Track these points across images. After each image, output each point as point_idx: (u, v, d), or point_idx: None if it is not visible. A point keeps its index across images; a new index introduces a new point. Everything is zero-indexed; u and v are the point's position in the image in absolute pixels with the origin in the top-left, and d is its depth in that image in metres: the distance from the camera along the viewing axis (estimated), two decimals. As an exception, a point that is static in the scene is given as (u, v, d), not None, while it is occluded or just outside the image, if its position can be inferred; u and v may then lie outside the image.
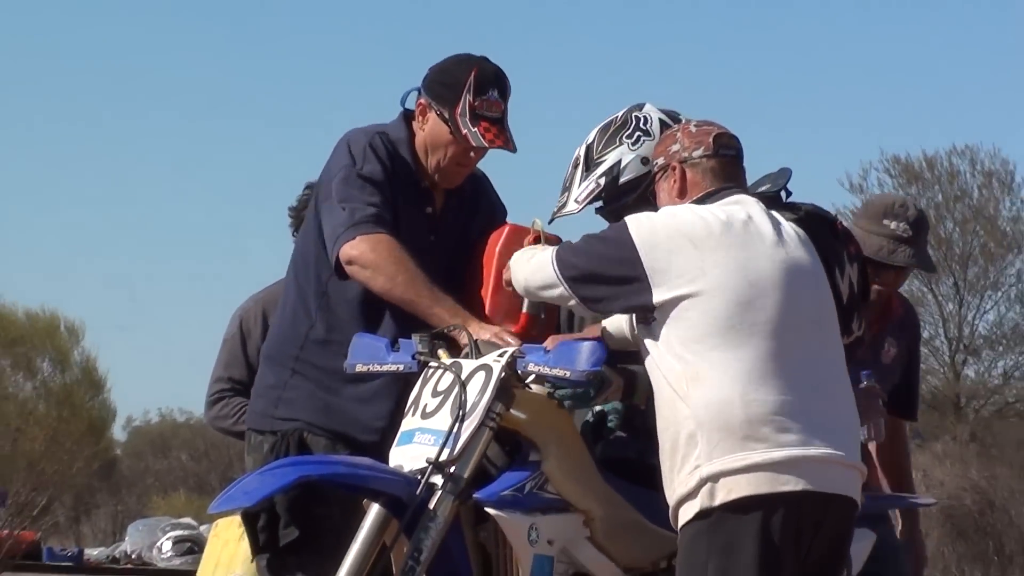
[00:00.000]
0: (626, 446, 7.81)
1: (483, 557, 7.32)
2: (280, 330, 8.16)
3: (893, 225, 8.74)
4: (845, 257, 7.68)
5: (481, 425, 7.16)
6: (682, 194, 7.32)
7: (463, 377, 7.23)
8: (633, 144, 7.75)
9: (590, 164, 7.80)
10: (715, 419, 6.96)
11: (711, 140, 7.35)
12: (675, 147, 7.37)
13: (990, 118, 74.58)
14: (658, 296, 6.97)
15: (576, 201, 7.80)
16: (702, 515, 6.92)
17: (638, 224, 7.05)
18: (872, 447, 8.83)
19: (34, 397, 11.70)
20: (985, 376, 46.80)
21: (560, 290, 7.11)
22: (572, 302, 7.19)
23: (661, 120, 7.82)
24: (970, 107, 75.35)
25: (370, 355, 7.59)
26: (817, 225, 7.64)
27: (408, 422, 7.32)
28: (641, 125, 7.80)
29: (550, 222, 7.88)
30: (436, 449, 7.11)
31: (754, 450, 6.91)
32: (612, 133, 7.82)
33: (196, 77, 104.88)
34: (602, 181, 7.74)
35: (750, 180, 7.68)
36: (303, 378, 7.91)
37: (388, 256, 7.64)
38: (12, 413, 10.88)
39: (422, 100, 7.96)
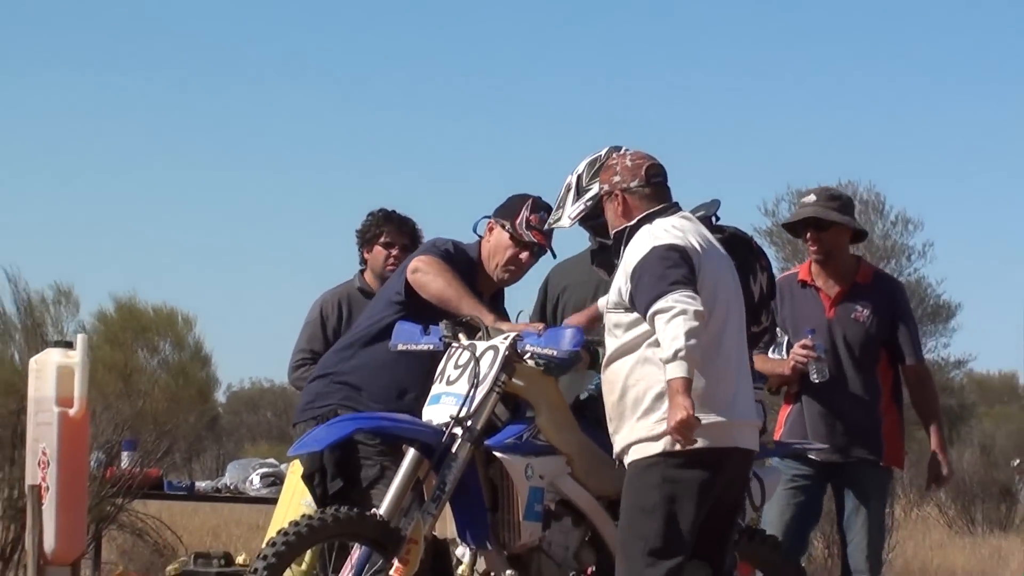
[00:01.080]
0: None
1: (492, 488, 7.36)
2: (326, 359, 8.20)
3: (802, 200, 8.82)
4: (758, 268, 7.77)
5: (490, 390, 7.29)
6: (626, 215, 7.28)
7: (477, 354, 7.35)
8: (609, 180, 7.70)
9: (580, 191, 7.74)
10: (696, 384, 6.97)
11: (643, 172, 7.28)
12: (616, 178, 7.32)
13: (868, 159, 73.88)
14: None
15: (569, 218, 7.75)
16: (661, 456, 6.98)
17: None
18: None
19: (158, 370, 11.81)
20: None
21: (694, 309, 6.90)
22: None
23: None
24: (853, 149, 74.55)
25: (408, 337, 7.68)
26: (738, 243, 7.71)
27: (436, 388, 7.42)
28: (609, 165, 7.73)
29: (545, 227, 7.87)
30: (457, 408, 7.25)
31: (708, 413, 6.94)
32: (597, 169, 7.70)
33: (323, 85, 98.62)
34: (589, 204, 7.69)
35: (688, 206, 7.63)
36: (337, 385, 7.97)
37: (442, 268, 7.70)
38: (141, 382, 11.02)
39: (491, 221, 7.99)
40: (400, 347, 7.70)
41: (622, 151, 7.59)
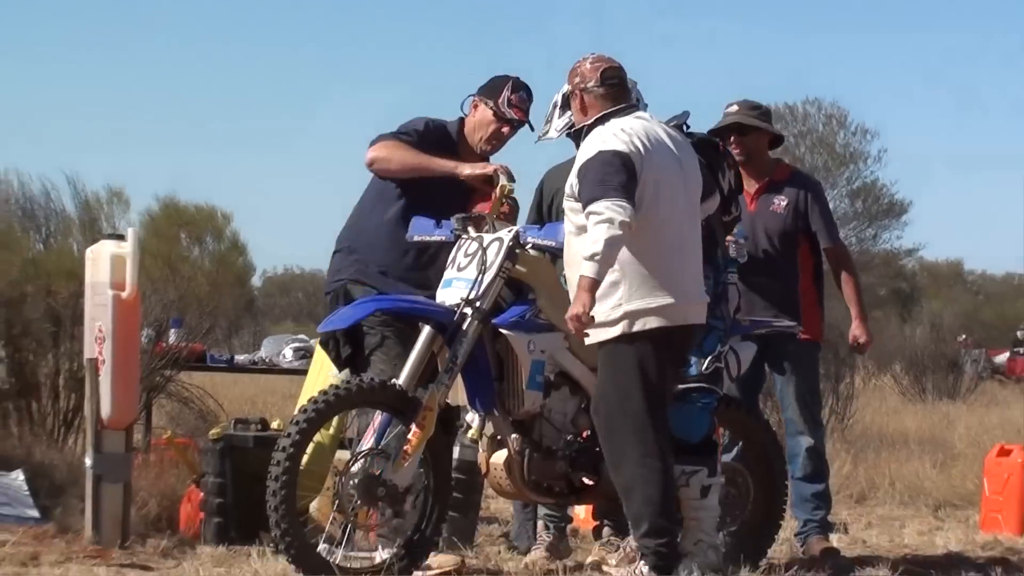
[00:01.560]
0: None
1: (498, 361, 7.39)
2: (341, 234, 8.17)
3: (726, 109, 8.79)
4: (725, 166, 7.80)
5: (496, 276, 7.32)
6: (584, 112, 7.29)
7: (484, 245, 7.39)
8: None
9: (566, 106, 7.68)
10: (637, 272, 7.05)
11: (600, 74, 7.28)
12: (577, 79, 7.32)
13: (833, 78, 73.62)
14: None
15: (556, 131, 7.77)
16: (622, 339, 7.02)
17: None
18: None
19: (201, 258, 11.85)
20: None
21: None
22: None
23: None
24: (819, 69, 74.36)
25: (423, 229, 7.71)
26: (705, 145, 7.76)
27: (448, 273, 7.46)
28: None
29: (536, 142, 7.91)
30: (467, 291, 7.30)
31: (662, 296, 7.03)
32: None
33: None
34: (569, 120, 7.66)
35: (662, 118, 7.61)
36: (349, 260, 8.00)
37: (394, 147, 7.84)
38: (187, 269, 11.07)
39: (475, 99, 8.04)
40: (416, 238, 7.76)
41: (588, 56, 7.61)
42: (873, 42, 76.22)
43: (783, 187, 8.82)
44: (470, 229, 7.51)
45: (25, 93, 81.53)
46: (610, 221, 6.84)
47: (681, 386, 7.57)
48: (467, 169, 7.78)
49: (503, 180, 7.72)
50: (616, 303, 7.06)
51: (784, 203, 8.76)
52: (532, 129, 8.03)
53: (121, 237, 8.57)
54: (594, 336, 7.09)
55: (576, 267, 7.01)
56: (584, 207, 6.99)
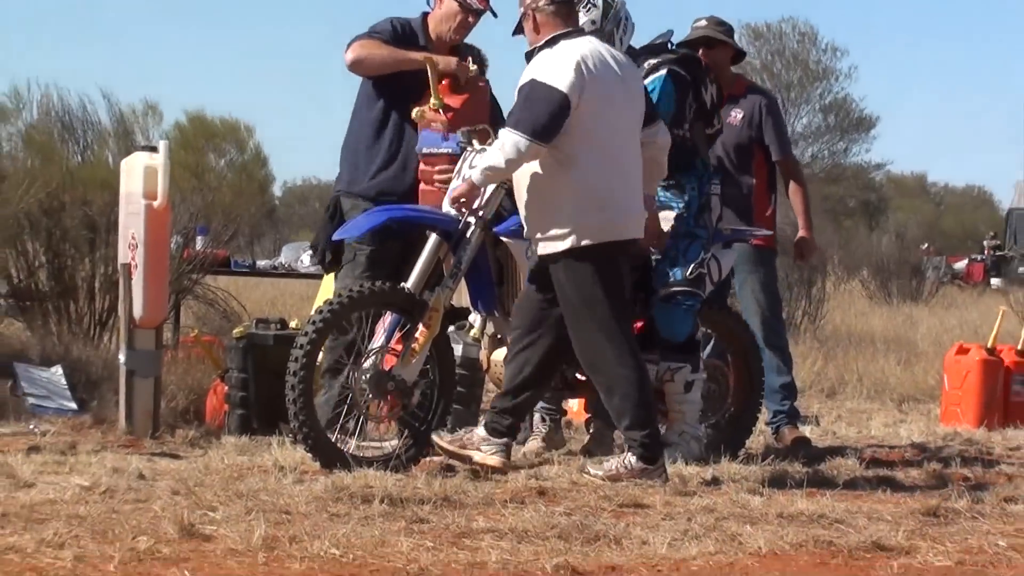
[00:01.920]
0: None
1: (498, 267, 7.41)
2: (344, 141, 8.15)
3: (695, 24, 8.73)
4: (708, 81, 7.77)
5: (498, 187, 7.27)
6: (537, 31, 7.16)
7: (481, 156, 7.27)
8: (586, 11, 7.52)
9: None
10: (582, 189, 7.00)
11: None
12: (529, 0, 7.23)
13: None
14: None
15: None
16: (573, 252, 6.99)
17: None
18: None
19: (225, 169, 11.81)
20: (801, 156, 46.32)
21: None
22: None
23: None
24: None
25: (431, 142, 7.65)
26: (690, 60, 7.77)
27: (453, 184, 7.36)
28: (589, 1, 7.57)
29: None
30: (477, 201, 7.23)
31: (607, 211, 7.00)
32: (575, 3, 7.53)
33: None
34: None
35: (645, 39, 7.71)
36: (344, 167, 8.02)
37: (371, 45, 7.76)
38: (212, 179, 11.03)
39: None
40: (424, 151, 7.69)
41: None
42: None
43: (739, 100, 8.80)
44: (475, 142, 7.41)
45: (64, 9, 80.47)
46: (511, 151, 6.91)
47: (666, 290, 7.58)
48: (440, 62, 7.67)
49: (471, 66, 7.75)
50: (565, 218, 7.03)
51: (740, 116, 8.75)
52: (495, 15, 7.89)
53: (154, 149, 8.53)
54: (543, 248, 7.07)
55: (524, 187, 7.10)
56: (506, 126, 7.03)
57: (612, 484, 6.83)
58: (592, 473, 7.01)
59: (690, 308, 7.63)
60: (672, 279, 7.60)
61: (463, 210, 7.09)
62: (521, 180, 7.12)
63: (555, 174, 7.04)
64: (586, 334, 7.10)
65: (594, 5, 7.58)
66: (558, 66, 6.99)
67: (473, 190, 7.03)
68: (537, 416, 8.32)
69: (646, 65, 7.66)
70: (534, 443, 8.16)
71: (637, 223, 7.22)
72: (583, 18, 7.53)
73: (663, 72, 7.62)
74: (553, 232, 7.02)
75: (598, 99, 7.04)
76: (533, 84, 6.97)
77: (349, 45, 7.81)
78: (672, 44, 7.84)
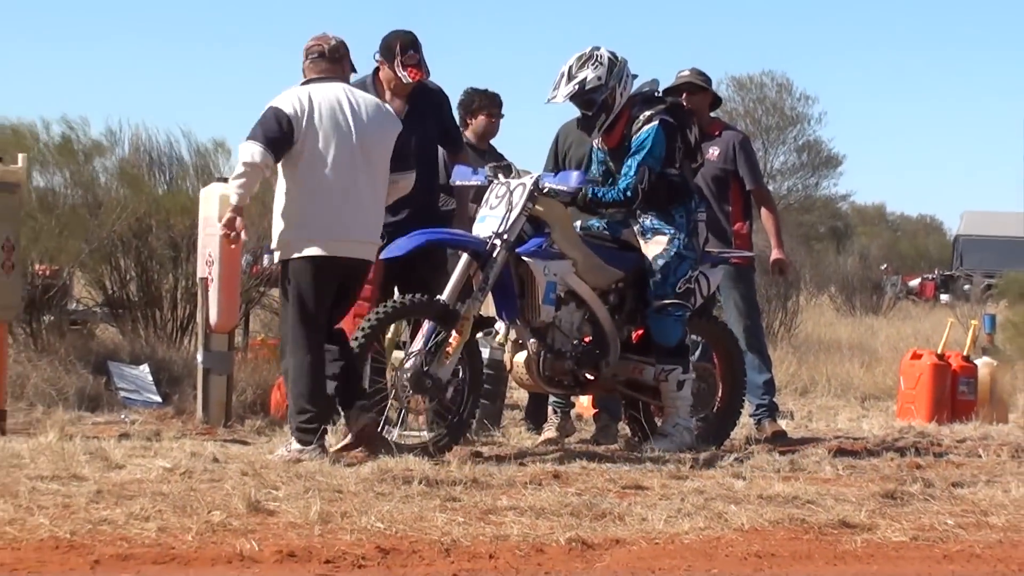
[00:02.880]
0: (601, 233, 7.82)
1: (520, 282, 7.38)
2: None
3: (680, 73, 8.72)
4: (691, 123, 7.84)
5: (520, 214, 7.28)
6: (304, 73, 7.27)
7: (511, 188, 7.34)
8: (594, 69, 7.55)
9: (570, 77, 7.59)
10: (300, 208, 7.06)
11: (305, 49, 7.28)
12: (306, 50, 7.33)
13: (782, 53, 73.12)
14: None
15: (563, 95, 7.62)
16: (288, 261, 7.09)
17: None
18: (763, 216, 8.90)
19: None
20: (778, 189, 46.06)
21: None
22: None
23: (609, 57, 7.61)
24: (773, 46, 73.50)
25: (463, 175, 7.67)
26: (677, 108, 7.79)
27: (482, 211, 7.42)
28: (597, 60, 7.58)
29: (546, 102, 7.69)
30: (497, 226, 7.25)
31: (318, 230, 7.02)
32: (584, 61, 7.57)
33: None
34: (575, 87, 7.55)
35: (640, 79, 7.72)
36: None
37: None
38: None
39: (378, 59, 7.76)
40: (458, 183, 7.71)
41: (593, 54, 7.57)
42: (819, 20, 75.37)
43: (715, 139, 8.75)
44: (500, 176, 7.44)
45: (149, 56, 79.22)
46: (243, 156, 7.01)
47: (659, 303, 7.58)
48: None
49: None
50: (280, 231, 7.11)
51: (717, 152, 8.69)
52: (428, 75, 7.78)
53: (226, 180, 8.53)
54: (277, 256, 7.20)
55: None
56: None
57: (617, 468, 6.82)
58: (276, 455, 6.96)
59: (679, 318, 7.63)
60: (664, 293, 7.59)
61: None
62: (275, 200, 7.21)
63: (281, 197, 7.14)
64: (283, 328, 7.29)
65: (600, 64, 7.59)
66: (291, 96, 7.11)
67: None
68: (550, 409, 8.32)
69: (642, 117, 7.65)
70: (549, 432, 8.15)
71: (360, 246, 7.17)
72: (590, 73, 7.58)
73: (655, 123, 7.62)
74: (276, 243, 7.14)
75: (322, 133, 7.07)
76: (268, 108, 7.12)
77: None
78: (658, 92, 7.85)
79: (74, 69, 76.33)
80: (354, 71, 7.63)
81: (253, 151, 6.95)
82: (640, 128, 7.60)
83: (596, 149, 7.95)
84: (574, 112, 7.85)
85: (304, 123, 7.03)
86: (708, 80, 8.83)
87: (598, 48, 7.66)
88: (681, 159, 7.75)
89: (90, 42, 79.21)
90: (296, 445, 6.93)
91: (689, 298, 7.71)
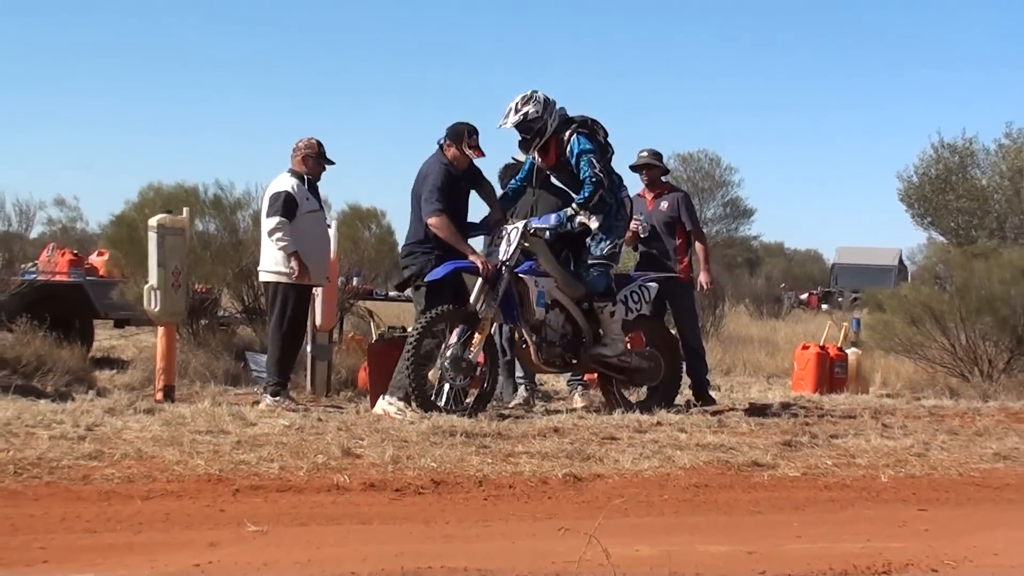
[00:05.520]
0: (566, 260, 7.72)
1: (519, 294, 7.31)
2: (409, 231, 7.46)
3: (640, 153, 8.69)
4: (597, 128, 7.56)
5: (517, 246, 7.23)
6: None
7: (511, 232, 7.29)
8: (533, 105, 7.36)
9: (516, 110, 7.39)
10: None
11: (294, 148, 7.55)
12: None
13: (713, 134, 72.54)
14: None
15: (511, 123, 7.40)
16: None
17: None
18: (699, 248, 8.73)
19: (370, 237, 11.44)
20: (709, 231, 45.31)
21: None
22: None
23: (544, 97, 7.41)
24: (706, 130, 72.56)
25: (485, 229, 7.59)
26: (583, 122, 7.52)
27: (495, 247, 7.38)
28: (535, 99, 7.39)
29: (498, 127, 7.44)
30: (503, 256, 7.22)
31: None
32: (527, 100, 7.37)
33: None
34: (520, 118, 7.36)
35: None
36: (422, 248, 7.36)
37: (447, 224, 7.15)
38: (362, 244, 10.68)
39: (448, 142, 7.33)
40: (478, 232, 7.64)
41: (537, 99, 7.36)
42: (742, 106, 74.48)
43: (664, 196, 8.72)
44: (505, 226, 7.39)
45: (279, 131, 69.77)
46: (275, 226, 7.38)
47: (593, 262, 7.51)
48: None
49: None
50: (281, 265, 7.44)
51: (666, 204, 8.66)
52: (483, 155, 7.42)
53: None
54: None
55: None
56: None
57: (598, 425, 6.77)
58: (261, 406, 7.19)
59: (604, 271, 7.53)
60: (594, 255, 7.51)
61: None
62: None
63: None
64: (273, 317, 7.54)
65: (538, 102, 7.42)
66: (286, 184, 7.46)
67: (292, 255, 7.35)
68: (570, 386, 8.27)
69: (565, 136, 7.44)
70: (582, 400, 8.07)
71: (319, 278, 7.62)
72: (531, 108, 7.36)
73: (574, 134, 7.42)
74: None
75: (304, 207, 7.45)
76: (277, 192, 7.45)
77: (433, 212, 7.18)
78: (567, 115, 7.50)
79: (223, 141, 73.40)
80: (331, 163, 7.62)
81: (277, 221, 7.39)
82: (567, 142, 7.45)
83: (530, 161, 7.72)
84: (516, 137, 7.58)
85: (299, 201, 7.51)
86: (660, 157, 8.85)
87: (536, 91, 7.47)
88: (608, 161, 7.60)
89: (234, 119, 76.05)
90: (271, 398, 7.37)
91: (614, 260, 7.62)
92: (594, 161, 7.39)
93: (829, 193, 79.03)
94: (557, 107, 7.49)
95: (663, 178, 8.97)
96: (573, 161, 7.44)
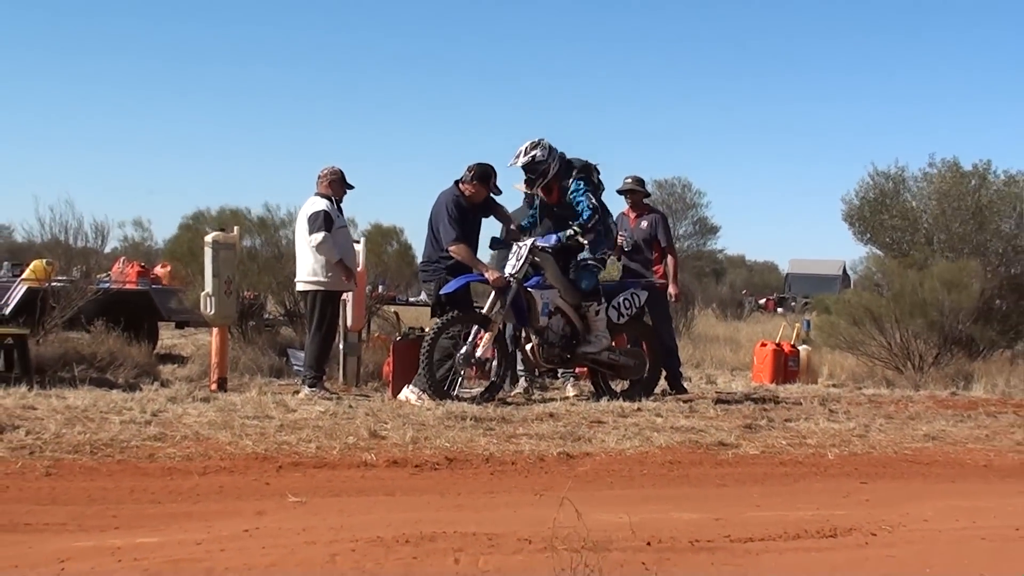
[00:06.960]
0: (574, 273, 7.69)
1: (526, 302, 7.27)
2: (426, 251, 7.37)
3: (625, 179, 8.68)
4: (592, 174, 7.55)
5: (526, 261, 7.19)
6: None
7: (520, 248, 7.23)
8: (540, 150, 7.32)
9: (526, 153, 7.34)
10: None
11: (320, 176, 7.45)
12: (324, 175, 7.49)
13: (682, 162, 71.98)
14: None
15: (521, 163, 7.34)
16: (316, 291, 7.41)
17: None
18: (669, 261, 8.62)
19: (391, 251, 11.26)
20: (681, 246, 44.98)
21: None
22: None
23: (549, 144, 7.39)
24: (676, 157, 71.90)
25: (503, 245, 7.52)
26: (583, 168, 7.49)
27: (507, 261, 7.31)
28: (542, 145, 7.35)
29: (509, 165, 7.37)
30: (513, 269, 7.16)
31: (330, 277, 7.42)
32: (535, 145, 7.34)
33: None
34: (529, 159, 7.30)
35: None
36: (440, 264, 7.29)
37: (465, 250, 7.09)
38: (385, 256, 10.40)
39: (477, 182, 7.19)
40: (497, 248, 7.60)
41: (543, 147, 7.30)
42: (710, 134, 73.56)
43: (645, 216, 8.70)
44: (515, 243, 7.35)
45: (312, 158, 68.97)
46: (319, 239, 7.27)
47: (583, 263, 7.43)
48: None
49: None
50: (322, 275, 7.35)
51: (646, 224, 8.64)
52: (499, 193, 7.42)
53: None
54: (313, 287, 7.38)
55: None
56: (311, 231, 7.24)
57: (587, 410, 6.74)
58: (301, 395, 7.14)
59: (593, 273, 7.47)
60: (585, 258, 7.46)
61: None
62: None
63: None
64: (314, 318, 7.47)
65: (544, 148, 7.39)
66: (322, 203, 7.36)
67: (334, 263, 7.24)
68: (564, 378, 8.24)
69: (568, 182, 7.41)
70: (573, 390, 8.01)
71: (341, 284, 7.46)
72: (538, 153, 7.33)
73: (575, 179, 7.40)
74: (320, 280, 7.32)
75: (336, 224, 7.38)
76: (316, 212, 7.31)
77: (453, 241, 7.05)
78: (598, 172, 7.54)
79: (272, 167, 71.36)
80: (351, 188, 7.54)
81: (320, 235, 7.28)
82: (569, 185, 7.43)
83: (537, 200, 7.67)
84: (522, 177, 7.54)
85: (334, 217, 7.41)
86: (643, 183, 8.85)
87: (543, 138, 7.45)
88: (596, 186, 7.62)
89: (281, 146, 74.27)
90: (309, 388, 7.31)
91: (603, 264, 7.59)
92: (591, 195, 7.43)
93: (784, 212, 79.00)
94: (558, 152, 7.51)
95: (645, 200, 8.97)
96: (574, 200, 7.45)
